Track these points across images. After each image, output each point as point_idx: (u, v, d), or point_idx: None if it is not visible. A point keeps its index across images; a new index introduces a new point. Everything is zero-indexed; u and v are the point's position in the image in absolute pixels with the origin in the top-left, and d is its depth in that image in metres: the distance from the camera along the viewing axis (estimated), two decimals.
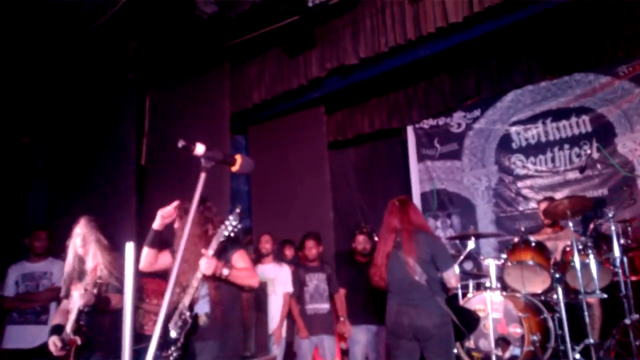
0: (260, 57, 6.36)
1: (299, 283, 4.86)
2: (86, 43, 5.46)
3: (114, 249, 3.41)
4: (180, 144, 1.89)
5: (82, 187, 5.29)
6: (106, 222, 3.63)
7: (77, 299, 3.18)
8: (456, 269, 3.53)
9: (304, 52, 5.93)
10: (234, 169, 2.06)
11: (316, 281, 4.86)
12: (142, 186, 5.63)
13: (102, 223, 3.53)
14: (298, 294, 4.85)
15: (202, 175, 1.88)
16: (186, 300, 2.90)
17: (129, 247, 1.83)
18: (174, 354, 2.81)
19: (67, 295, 3.39)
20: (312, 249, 4.92)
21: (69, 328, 3.19)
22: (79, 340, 3.16)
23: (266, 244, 5.08)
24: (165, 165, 5.60)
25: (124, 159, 5.35)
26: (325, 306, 4.82)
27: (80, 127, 5.75)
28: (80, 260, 3.42)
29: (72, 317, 3.19)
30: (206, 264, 2.82)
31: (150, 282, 4.40)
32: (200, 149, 1.90)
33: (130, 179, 5.22)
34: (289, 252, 5.50)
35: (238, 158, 2.05)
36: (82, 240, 3.38)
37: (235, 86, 6.40)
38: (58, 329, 3.28)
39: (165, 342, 2.84)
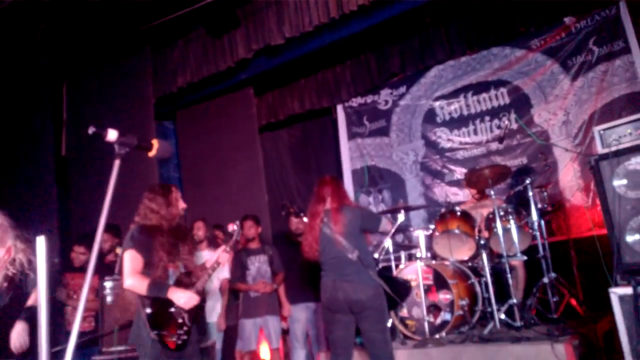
0: (184, 39, 6.18)
1: (240, 266, 4.84)
2: None
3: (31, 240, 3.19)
4: (91, 130, 1.82)
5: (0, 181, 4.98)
6: (26, 215, 3.43)
7: None
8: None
9: (229, 32, 5.82)
10: (151, 153, 2.00)
11: (257, 263, 4.85)
12: (65, 177, 5.37)
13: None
14: (240, 278, 4.83)
15: (117, 162, 1.82)
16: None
17: (40, 241, 1.74)
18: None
19: None
20: (250, 228, 4.90)
21: None
22: None
23: (198, 231, 5.01)
24: (88, 154, 5.36)
25: (43, 150, 5.07)
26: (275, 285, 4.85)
27: None
28: None
29: None
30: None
31: (79, 277, 4.25)
32: (112, 134, 1.84)
33: (50, 171, 4.97)
34: (222, 236, 5.45)
35: (154, 142, 2.00)
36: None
37: (159, 70, 6.19)
38: None
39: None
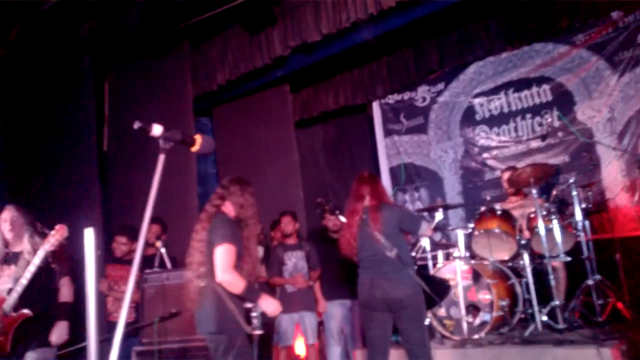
0: (221, 36, 6.24)
1: (277, 262, 4.87)
2: (37, 26, 5.24)
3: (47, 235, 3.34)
4: (136, 125, 1.84)
5: (44, 178, 5.13)
6: (71, 210, 3.59)
7: (7, 282, 3.21)
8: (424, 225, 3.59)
9: (266, 30, 5.84)
10: (194, 149, 2.02)
11: (294, 259, 4.87)
12: (105, 172, 5.51)
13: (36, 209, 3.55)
14: (277, 273, 4.86)
15: (161, 157, 1.84)
16: None
17: (88, 233, 1.78)
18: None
19: None
20: (288, 224, 4.92)
21: (7, 307, 3.15)
22: (28, 312, 3.15)
23: None
24: (129, 150, 5.48)
25: (86, 146, 5.21)
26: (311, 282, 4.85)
27: (39, 116, 5.55)
28: (6, 244, 3.41)
29: (13, 296, 3.14)
30: None
31: (120, 269, 4.34)
32: (157, 129, 1.85)
33: (93, 166, 5.10)
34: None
35: (198, 138, 2.01)
36: (10, 224, 3.35)
37: (198, 67, 6.28)
38: None
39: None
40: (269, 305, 2.86)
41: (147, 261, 4.13)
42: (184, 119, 5.77)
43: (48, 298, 3.31)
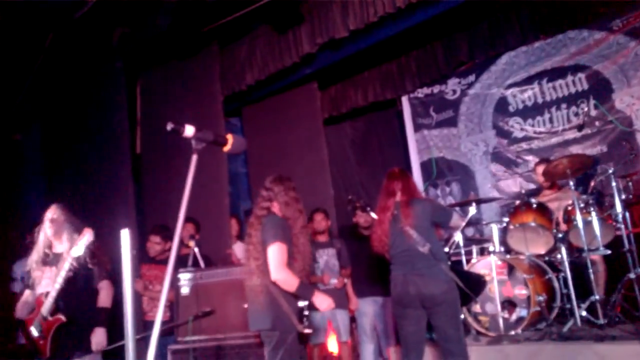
0: (249, 36, 6.27)
1: None
2: (71, 33, 5.38)
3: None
4: (169, 126, 1.86)
5: (78, 180, 5.28)
6: (106, 212, 3.62)
7: (48, 284, 3.20)
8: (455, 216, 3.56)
9: (293, 28, 5.83)
10: (226, 148, 2.03)
11: (326, 257, 4.87)
12: (139, 174, 5.61)
13: (73, 211, 3.51)
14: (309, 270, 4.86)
15: (194, 157, 1.87)
16: None
17: (124, 234, 1.81)
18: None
19: (32, 285, 3.37)
20: (321, 222, 4.92)
21: (45, 311, 3.16)
22: (62, 317, 3.15)
23: None
24: (161, 151, 5.58)
25: (119, 148, 5.32)
26: (336, 281, 4.84)
27: (72, 119, 5.71)
28: (50, 245, 3.40)
29: (49, 300, 3.15)
30: None
31: (154, 269, 4.42)
32: (189, 130, 1.88)
33: (126, 168, 5.20)
34: None
35: (229, 137, 2.03)
36: (52, 224, 3.34)
37: (227, 67, 6.32)
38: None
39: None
40: (322, 301, 2.95)
41: (181, 261, 4.19)
42: (215, 119, 5.84)
43: (87, 301, 3.31)
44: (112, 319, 3.34)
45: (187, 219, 4.53)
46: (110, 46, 5.63)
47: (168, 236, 4.40)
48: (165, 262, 3.64)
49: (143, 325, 4.16)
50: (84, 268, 3.27)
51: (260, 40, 6.13)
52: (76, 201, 4.69)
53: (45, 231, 3.36)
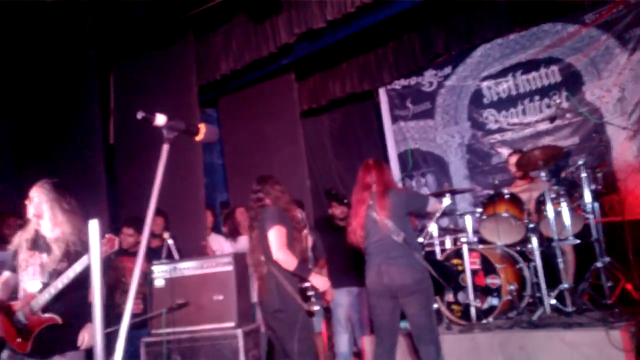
0: (226, 25, 6.19)
1: None
2: (42, 20, 5.25)
3: (83, 215, 3.05)
4: (140, 115, 1.83)
5: (50, 170, 5.16)
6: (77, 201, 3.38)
7: (35, 272, 2.90)
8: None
9: (271, 17, 5.78)
10: (199, 138, 2.01)
11: None
12: (112, 165, 5.53)
13: (64, 185, 3.15)
14: None
15: (165, 147, 1.84)
16: None
17: (93, 225, 1.78)
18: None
19: (14, 268, 3.02)
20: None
21: (36, 306, 2.84)
22: (58, 319, 2.84)
23: (241, 216, 5.08)
24: (135, 142, 5.49)
25: (91, 138, 5.24)
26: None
27: (44, 107, 5.59)
28: (36, 229, 3.04)
29: (45, 296, 2.81)
30: None
31: (126, 261, 4.37)
32: (161, 119, 1.85)
33: (99, 159, 5.13)
34: None
35: (202, 127, 2.00)
36: (30, 204, 3.00)
37: (202, 57, 6.24)
38: None
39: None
40: (318, 281, 3.25)
41: (155, 253, 4.16)
42: (190, 109, 5.77)
43: (81, 300, 2.93)
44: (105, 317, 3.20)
45: (157, 212, 4.49)
46: (83, 34, 5.51)
47: (141, 228, 4.33)
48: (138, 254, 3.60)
49: (117, 318, 4.11)
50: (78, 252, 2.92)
51: (237, 29, 6.07)
52: None
53: (29, 212, 3.03)
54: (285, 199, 3.43)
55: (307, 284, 3.21)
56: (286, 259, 3.20)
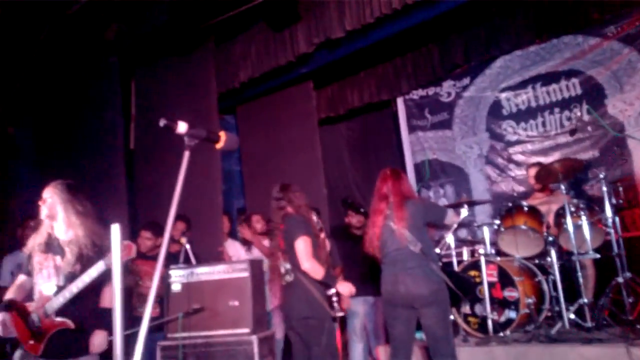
0: (246, 34, 6.27)
1: None
2: (66, 28, 5.37)
3: (97, 217, 3.03)
4: (162, 122, 1.87)
5: (72, 175, 5.22)
6: (98, 206, 3.42)
7: (50, 275, 2.88)
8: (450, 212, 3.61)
9: (290, 27, 5.84)
10: (219, 146, 2.04)
11: None
12: (132, 170, 5.60)
13: (78, 187, 3.12)
14: None
15: (186, 154, 1.87)
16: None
17: (115, 229, 1.81)
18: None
19: (30, 272, 3.00)
20: None
21: (50, 309, 2.82)
22: (71, 323, 2.82)
23: (257, 224, 5.11)
24: (155, 148, 5.57)
25: (112, 143, 5.32)
26: None
27: (67, 114, 5.70)
28: (49, 231, 3.00)
29: (60, 299, 2.80)
30: None
31: (144, 264, 4.41)
32: (182, 127, 1.88)
33: (119, 163, 5.21)
34: None
35: (222, 135, 2.03)
36: (43, 205, 2.96)
37: (222, 65, 6.31)
38: (9, 306, 2.90)
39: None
40: (345, 288, 3.35)
41: (172, 257, 4.19)
42: (209, 116, 5.83)
43: (93, 304, 2.94)
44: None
45: (179, 216, 4.53)
46: (105, 41, 5.61)
47: (159, 232, 4.38)
48: (155, 258, 3.59)
49: (132, 321, 4.15)
50: (94, 257, 2.89)
51: (257, 38, 6.13)
52: None
53: (42, 213, 3.00)
54: (307, 207, 3.51)
55: (332, 291, 3.31)
56: (314, 269, 3.28)
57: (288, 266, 3.40)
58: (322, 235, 3.61)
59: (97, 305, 2.95)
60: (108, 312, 2.95)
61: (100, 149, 5.35)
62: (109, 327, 2.98)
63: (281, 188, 3.54)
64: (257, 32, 6.15)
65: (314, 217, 3.54)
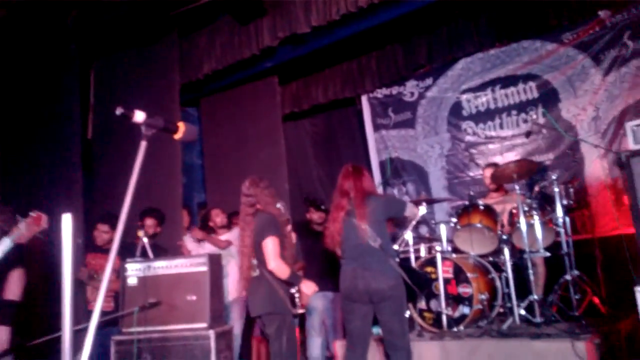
0: (211, 26, 6.20)
1: None
2: (23, 11, 5.17)
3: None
4: (118, 111, 1.84)
5: (27, 163, 5.08)
6: (52, 197, 3.33)
7: None
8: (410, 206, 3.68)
9: (255, 20, 5.81)
10: (177, 136, 2.01)
11: None
12: (90, 161, 5.46)
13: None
14: None
15: (143, 144, 1.84)
16: None
17: (66, 219, 1.77)
18: None
19: None
20: None
21: None
22: None
23: (216, 218, 5.09)
24: (114, 138, 5.44)
25: (69, 132, 5.16)
26: None
27: (21, 100, 5.49)
28: None
29: None
30: None
31: (100, 258, 4.32)
32: (139, 116, 1.86)
33: (76, 153, 5.05)
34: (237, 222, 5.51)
35: (181, 125, 2.01)
36: None
37: (185, 56, 6.22)
38: None
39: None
40: (308, 287, 3.44)
41: (129, 251, 4.11)
42: (170, 107, 5.74)
43: None
44: (23, 314, 2.94)
45: (148, 213, 4.47)
46: (65, 28, 5.44)
47: (117, 225, 4.28)
48: (108, 251, 3.55)
49: (87, 315, 4.05)
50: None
51: (221, 30, 6.08)
52: (22, 186, 4.53)
53: None
54: (276, 202, 3.57)
55: (295, 289, 3.41)
56: (280, 268, 3.36)
57: (254, 262, 3.47)
58: (289, 227, 3.70)
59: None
60: (12, 306, 2.87)
61: (56, 137, 5.18)
62: (12, 322, 2.83)
63: (251, 184, 3.55)
64: (223, 24, 6.09)
65: (281, 208, 3.59)
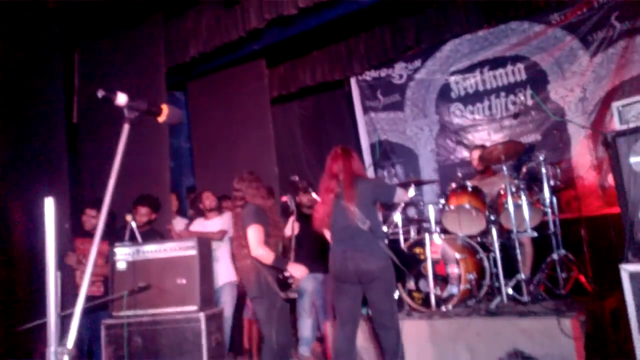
0: (196, 8, 6.10)
1: None
2: None
3: None
4: (100, 93, 1.80)
5: (11, 148, 5.00)
6: (37, 180, 3.29)
7: None
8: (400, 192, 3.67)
9: (241, 2, 5.72)
10: (161, 119, 1.98)
11: None
12: (75, 145, 5.40)
13: None
14: None
15: (126, 127, 1.81)
16: None
17: (49, 203, 1.74)
18: None
19: None
20: None
21: None
22: None
23: (206, 200, 5.08)
24: (100, 122, 5.38)
25: (54, 116, 5.08)
26: None
27: (4, 84, 5.38)
28: None
29: None
30: None
31: (88, 243, 4.29)
32: (122, 98, 1.82)
33: (61, 137, 4.97)
34: (229, 206, 5.50)
35: (164, 108, 1.98)
36: None
37: (171, 39, 6.14)
38: None
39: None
40: (296, 270, 3.56)
41: (117, 235, 4.09)
42: (156, 91, 5.67)
43: None
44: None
45: (141, 201, 4.45)
46: (47, 10, 5.33)
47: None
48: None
49: (74, 299, 4.04)
50: None
51: (207, 12, 5.98)
52: (7, 171, 4.47)
53: None
54: (263, 195, 3.77)
55: (287, 274, 3.51)
56: (263, 254, 3.52)
57: (245, 251, 3.61)
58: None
59: None
60: None
61: (40, 121, 5.10)
62: None
63: (238, 180, 3.79)
64: (209, 6, 6.00)
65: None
